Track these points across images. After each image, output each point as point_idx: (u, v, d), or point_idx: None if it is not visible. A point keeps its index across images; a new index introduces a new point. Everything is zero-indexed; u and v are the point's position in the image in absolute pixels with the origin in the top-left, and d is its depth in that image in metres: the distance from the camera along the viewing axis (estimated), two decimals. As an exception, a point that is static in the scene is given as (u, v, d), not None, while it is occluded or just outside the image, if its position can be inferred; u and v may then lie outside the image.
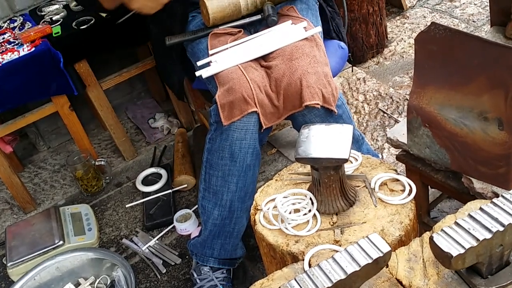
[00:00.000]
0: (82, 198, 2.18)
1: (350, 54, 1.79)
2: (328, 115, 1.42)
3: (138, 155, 2.35)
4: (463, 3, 2.81)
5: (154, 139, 2.42)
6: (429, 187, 1.46)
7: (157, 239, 1.89)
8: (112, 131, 2.25)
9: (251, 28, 1.63)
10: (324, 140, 1.07)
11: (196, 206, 1.90)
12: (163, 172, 2.14)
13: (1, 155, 2.02)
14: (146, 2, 1.48)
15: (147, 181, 2.14)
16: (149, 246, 1.87)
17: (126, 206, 2.07)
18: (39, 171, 2.42)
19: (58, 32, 1.93)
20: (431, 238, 0.82)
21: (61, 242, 1.81)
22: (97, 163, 2.15)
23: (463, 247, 0.79)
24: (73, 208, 1.99)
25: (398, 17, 2.83)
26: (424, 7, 2.86)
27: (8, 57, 1.82)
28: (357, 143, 1.61)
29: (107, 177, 2.22)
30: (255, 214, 1.19)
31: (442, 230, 0.83)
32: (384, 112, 2.21)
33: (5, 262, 1.81)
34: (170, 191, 2.05)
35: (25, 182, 2.24)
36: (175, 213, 1.93)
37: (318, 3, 1.73)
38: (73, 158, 2.12)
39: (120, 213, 2.06)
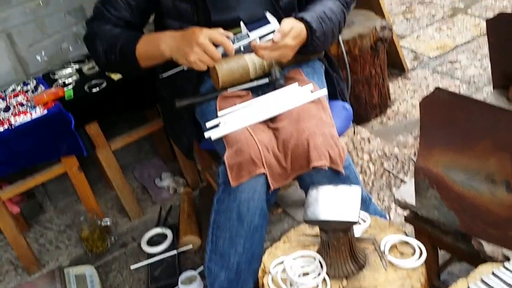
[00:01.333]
0: (87, 258, 2.16)
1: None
2: (335, 176, 1.43)
3: (143, 215, 2.35)
4: (464, 65, 2.88)
5: (160, 198, 2.43)
6: (438, 249, 1.45)
7: (162, 302, 1.86)
8: (119, 191, 2.26)
9: (259, 91, 1.67)
10: (332, 202, 1.08)
11: (202, 267, 1.87)
12: (168, 232, 2.13)
13: (8, 216, 2.02)
14: (201, 57, 1.45)
15: (152, 242, 2.12)
16: (154, 309, 1.83)
17: (131, 267, 2.05)
18: (44, 231, 2.41)
19: (71, 95, 1.98)
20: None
21: (65, 305, 1.78)
22: (103, 224, 2.14)
23: (477, 313, 0.79)
24: (77, 270, 1.97)
25: (400, 78, 2.90)
26: (425, 68, 2.93)
27: (21, 119, 1.86)
28: (365, 203, 1.61)
29: (112, 238, 2.21)
30: (263, 277, 1.18)
31: (455, 295, 0.82)
32: (389, 172, 2.22)
33: (7, 327, 1.78)
34: (175, 252, 2.03)
35: (30, 243, 2.23)
36: (180, 275, 1.90)
37: (323, 67, 1.78)
38: (79, 218, 2.12)
39: (124, 275, 2.04)
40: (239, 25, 1.54)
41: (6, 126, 1.84)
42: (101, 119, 2.05)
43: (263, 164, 1.42)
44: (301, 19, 1.53)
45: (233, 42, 1.48)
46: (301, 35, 1.52)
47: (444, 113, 1.13)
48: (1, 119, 1.90)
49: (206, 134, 1.52)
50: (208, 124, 1.56)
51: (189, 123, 1.77)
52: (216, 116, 1.57)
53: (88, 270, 1.98)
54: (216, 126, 1.55)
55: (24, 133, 1.84)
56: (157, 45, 1.52)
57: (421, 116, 1.18)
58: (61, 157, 2.00)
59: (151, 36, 1.58)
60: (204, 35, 1.43)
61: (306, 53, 1.61)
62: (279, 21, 1.51)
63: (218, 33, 1.45)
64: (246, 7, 1.59)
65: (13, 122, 1.86)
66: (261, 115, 1.53)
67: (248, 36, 1.50)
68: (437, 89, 1.13)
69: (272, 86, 1.62)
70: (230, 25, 1.57)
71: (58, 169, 2.04)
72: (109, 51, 1.59)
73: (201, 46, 1.42)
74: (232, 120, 1.52)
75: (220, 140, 1.51)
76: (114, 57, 1.58)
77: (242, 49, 1.52)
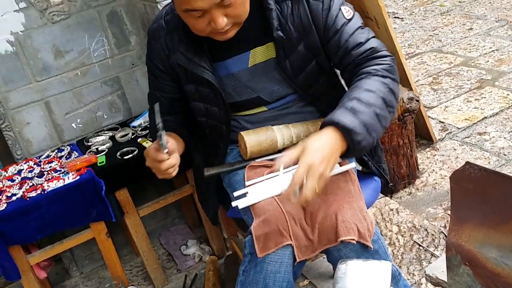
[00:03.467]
0: (110, 327, 2.14)
1: (391, 184, 1.78)
2: (363, 250, 1.41)
3: (168, 283, 2.33)
4: (493, 136, 2.86)
5: (186, 266, 2.41)
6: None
7: None
8: (145, 257, 2.26)
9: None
10: (362, 278, 1.05)
11: None
12: (193, 302, 2.10)
13: (36, 281, 2.03)
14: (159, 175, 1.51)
15: (176, 311, 2.09)
16: None
17: (154, 337, 2.01)
18: (69, 297, 2.40)
19: (103, 162, 2.03)
20: None
21: None
22: (127, 292, 2.13)
23: None
24: (100, 338, 1.95)
25: (428, 149, 2.89)
26: (454, 139, 2.93)
27: (54, 185, 1.91)
28: (394, 279, 1.57)
29: (137, 306, 2.19)
30: None
31: None
32: (419, 245, 2.17)
33: None
34: (200, 323, 1.99)
35: (54, 308, 2.23)
36: None
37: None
38: (105, 285, 2.11)
39: None
40: (262, 104, 1.59)
41: (39, 191, 1.89)
42: (131, 185, 2.09)
43: (290, 236, 1.41)
44: (328, 124, 1.29)
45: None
46: (329, 144, 1.25)
47: (476, 188, 1.12)
48: (35, 184, 1.95)
49: (234, 203, 1.52)
50: (236, 194, 1.57)
51: (215, 189, 1.79)
52: (244, 186, 1.58)
53: None
54: (244, 195, 1.55)
55: (56, 199, 1.88)
56: None
57: (452, 190, 1.17)
58: (90, 223, 2.03)
59: None
60: (148, 159, 1.47)
61: (359, 154, 1.41)
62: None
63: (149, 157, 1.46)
64: (263, 87, 1.59)
65: (46, 187, 1.90)
66: (289, 186, 1.53)
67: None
68: (468, 163, 1.13)
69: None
70: (253, 104, 1.62)
71: (87, 234, 2.06)
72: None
73: (152, 168, 1.48)
74: (259, 190, 1.53)
75: (248, 209, 1.51)
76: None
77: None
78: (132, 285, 2.17)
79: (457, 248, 1.18)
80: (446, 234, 1.20)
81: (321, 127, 1.31)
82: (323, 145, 1.25)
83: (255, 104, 1.62)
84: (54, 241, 2.06)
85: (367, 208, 1.57)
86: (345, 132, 1.26)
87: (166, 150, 1.42)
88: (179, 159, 1.52)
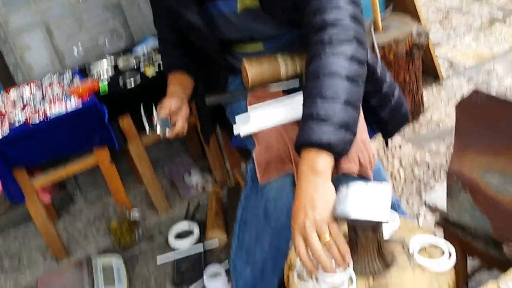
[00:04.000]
0: (114, 250, 2.19)
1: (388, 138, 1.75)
2: (364, 181, 1.41)
3: (171, 210, 2.37)
4: (500, 75, 2.82)
5: (189, 195, 2.44)
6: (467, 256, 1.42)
7: (186, 297, 1.87)
8: (148, 185, 2.29)
9: (290, 93, 1.67)
10: (363, 200, 1.06)
11: (227, 263, 1.88)
12: (195, 228, 2.15)
13: (40, 204, 2.07)
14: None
15: (179, 236, 2.14)
16: (178, 303, 1.84)
17: (157, 263, 2.07)
18: (74, 221, 2.45)
19: (105, 90, 2.01)
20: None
21: (90, 294, 1.81)
22: (131, 217, 2.17)
23: (508, 315, 0.76)
24: (104, 260, 2.00)
25: (434, 86, 2.86)
26: (461, 77, 2.89)
27: (56, 109, 1.90)
28: (393, 208, 1.58)
29: (140, 231, 2.24)
30: (289, 272, 1.18)
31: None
32: (420, 179, 2.19)
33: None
34: (201, 247, 2.04)
35: (59, 232, 2.28)
36: (205, 270, 1.91)
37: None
38: (109, 210, 2.16)
39: (150, 268, 2.06)
40: (258, 41, 1.58)
41: (41, 118, 1.88)
42: (134, 113, 2.08)
43: (292, 162, 1.41)
44: (301, 146, 1.16)
45: None
46: (308, 187, 1.11)
47: (482, 116, 1.11)
48: (37, 108, 1.94)
49: (235, 130, 1.52)
50: (238, 118, 1.56)
51: (211, 114, 1.83)
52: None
53: (115, 261, 2.01)
54: (246, 120, 1.55)
55: (59, 125, 1.89)
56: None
57: (457, 118, 1.16)
58: (93, 149, 2.04)
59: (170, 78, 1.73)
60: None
61: (344, 153, 1.19)
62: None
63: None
64: (255, 29, 1.56)
65: (48, 113, 1.90)
66: (292, 114, 1.52)
67: None
68: (475, 91, 1.11)
69: (303, 88, 1.61)
70: (247, 41, 1.60)
71: (90, 160, 2.07)
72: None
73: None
74: (262, 117, 1.52)
75: (250, 137, 1.51)
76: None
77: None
78: (136, 213, 2.21)
79: (459, 175, 1.18)
80: (448, 168, 1.19)
81: (296, 149, 1.19)
82: (302, 195, 1.10)
83: (249, 41, 1.60)
84: (58, 166, 2.08)
85: (370, 140, 1.56)
86: (323, 148, 1.13)
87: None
88: (185, 119, 1.62)
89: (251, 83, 1.60)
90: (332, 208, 1.07)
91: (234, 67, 1.69)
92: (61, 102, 1.95)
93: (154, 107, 1.60)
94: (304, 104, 1.22)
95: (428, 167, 2.24)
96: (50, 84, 2.14)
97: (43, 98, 2.03)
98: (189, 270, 1.95)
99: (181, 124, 1.61)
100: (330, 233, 1.04)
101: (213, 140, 2.35)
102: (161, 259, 2.07)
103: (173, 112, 1.61)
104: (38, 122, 1.87)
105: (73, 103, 1.94)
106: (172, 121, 1.61)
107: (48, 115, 1.90)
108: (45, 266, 2.21)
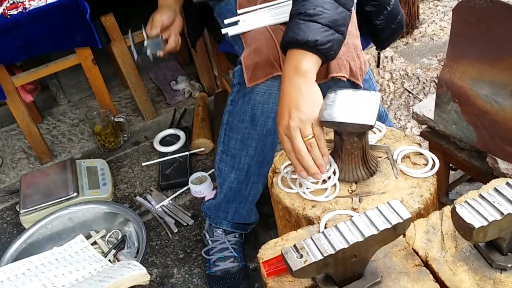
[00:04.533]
0: (99, 153, 2.19)
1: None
2: (353, 88, 1.38)
3: (157, 116, 2.35)
4: (501, -11, 2.72)
5: (175, 101, 2.41)
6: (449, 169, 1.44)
7: (171, 199, 1.89)
8: (134, 89, 2.24)
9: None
10: (350, 105, 1.04)
11: (212, 170, 1.89)
12: (181, 134, 2.14)
13: (22, 104, 2.02)
14: None
15: (165, 142, 2.14)
16: (163, 205, 1.87)
17: (142, 164, 2.08)
18: (57, 123, 2.43)
19: (87, -16, 1.91)
20: (453, 209, 0.80)
21: (75, 194, 1.81)
22: (116, 120, 2.15)
23: (486, 219, 0.77)
24: (89, 162, 2.00)
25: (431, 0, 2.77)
26: (460, -11, 2.78)
27: (36, 3, 1.81)
28: (381, 119, 1.58)
29: (125, 135, 2.23)
30: (273, 177, 1.18)
31: (465, 201, 0.81)
32: (409, 92, 2.16)
33: (18, 209, 1.83)
34: (187, 153, 2.04)
35: (43, 134, 2.25)
36: (190, 175, 1.92)
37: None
38: (93, 112, 2.13)
39: (135, 171, 2.07)
40: None
41: (20, 10, 1.79)
42: (117, 11, 1.99)
43: (280, 67, 1.37)
44: (287, 46, 1.13)
45: None
46: (291, 87, 1.10)
47: (478, 21, 1.06)
48: (15, 1, 1.85)
49: (224, 30, 1.46)
50: (227, 21, 1.50)
51: (197, 14, 1.77)
52: (236, 14, 1.50)
53: (100, 163, 2.01)
54: (235, 23, 1.48)
55: (38, 18, 1.79)
56: None
57: (453, 23, 1.11)
58: (75, 48, 1.97)
59: None
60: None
61: (331, 55, 1.14)
62: None
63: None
64: None
65: (27, 5, 1.81)
66: (282, 17, 1.45)
67: None
68: (474, -5, 1.06)
69: None
70: None
71: (72, 60, 2.01)
72: None
73: None
74: (252, 19, 1.46)
75: (238, 39, 1.45)
76: None
77: None
78: (121, 116, 2.18)
79: (449, 85, 1.16)
80: (438, 76, 1.16)
81: (282, 49, 1.15)
82: (286, 96, 1.09)
83: None
84: (39, 65, 2.02)
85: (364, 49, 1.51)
86: (309, 47, 1.08)
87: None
88: (179, 33, 1.61)
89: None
90: (317, 110, 1.06)
91: None
92: (41, -6, 1.85)
93: (143, 29, 1.50)
94: (293, 3, 1.18)
95: (419, 80, 2.21)
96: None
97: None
98: (174, 175, 1.96)
99: (174, 40, 1.54)
100: (314, 135, 1.04)
101: (200, 46, 2.28)
102: (147, 161, 2.08)
103: (165, 28, 1.53)
104: (16, 14, 1.78)
105: (53, -3, 1.84)
106: (163, 37, 1.53)
107: (27, 7, 1.80)
108: (28, 167, 2.20)
